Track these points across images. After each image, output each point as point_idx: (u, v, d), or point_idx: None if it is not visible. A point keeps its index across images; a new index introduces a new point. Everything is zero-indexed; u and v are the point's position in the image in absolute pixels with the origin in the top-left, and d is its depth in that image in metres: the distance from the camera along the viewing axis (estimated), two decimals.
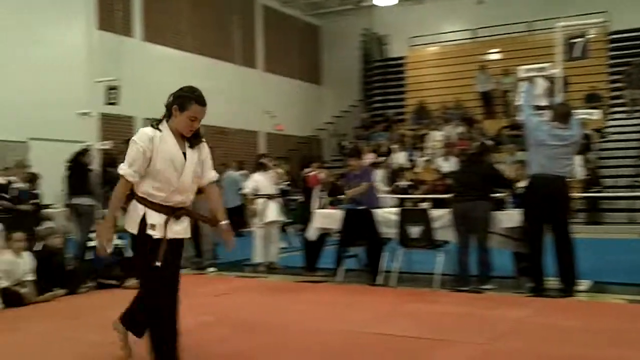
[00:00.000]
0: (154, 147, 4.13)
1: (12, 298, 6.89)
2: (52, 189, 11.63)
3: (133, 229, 4.24)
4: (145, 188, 4.20)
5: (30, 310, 6.86)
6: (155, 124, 4.24)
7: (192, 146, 4.30)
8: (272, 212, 9.73)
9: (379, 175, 14.94)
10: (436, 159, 17.02)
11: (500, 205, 7.90)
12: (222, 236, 4.49)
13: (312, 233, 8.86)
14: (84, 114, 11.15)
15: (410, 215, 8.17)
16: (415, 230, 7.93)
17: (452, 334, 5.53)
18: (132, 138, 4.20)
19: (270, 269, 9.67)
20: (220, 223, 4.40)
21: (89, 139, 11.32)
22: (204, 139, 4.42)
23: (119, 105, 11.53)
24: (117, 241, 6.99)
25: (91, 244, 8.41)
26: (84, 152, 10.69)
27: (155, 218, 4.19)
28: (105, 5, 16.40)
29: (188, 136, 4.27)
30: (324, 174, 9.84)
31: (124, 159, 4.21)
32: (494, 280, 7.68)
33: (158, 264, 4.13)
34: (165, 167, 4.16)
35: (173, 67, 17.93)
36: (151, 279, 4.22)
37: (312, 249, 9.22)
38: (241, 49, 21.35)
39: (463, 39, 22.63)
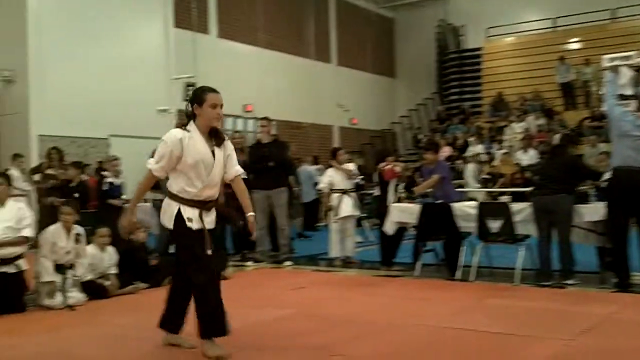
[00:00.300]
0: (182, 147, 4.49)
1: (95, 290, 7.09)
2: (133, 184, 11.89)
3: (169, 223, 4.59)
4: (178, 186, 4.57)
5: (112, 302, 7.04)
6: (183, 126, 4.59)
7: (218, 145, 4.65)
8: (347, 206, 9.70)
9: (469, 169, 14.76)
10: (515, 151, 16.65)
11: (583, 198, 7.66)
12: (249, 228, 4.77)
13: (389, 227, 8.79)
14: (163, 110, 11.35)
15: (490, 209, 8.00)
16: (495, 225, 7.76)
17: (535, 329, 5.39)
18: (162, 138, 4.59)
19: (347, 263, 9.64)
20: (247, 215, 4.69)
21: None
22: (227, 138, 4.79)
23: None
24: None
25: None
26: None
27: (190, 212, 4.56)
28: (182, 4, 16.71)
29: (217, 125, 4.63)
30: (400, 167, 9.75)
31: None
32: (578, 275, 7.45)
33: (209, 252, 4.51)
34: (196, 164, 4.51)
35: (248, 63, 18.14)
36: (198, 268, 4.52)
37: (389, 243, 9.15)
38: (314, 44, 21.41)
39: (542, 28, 22.09)
